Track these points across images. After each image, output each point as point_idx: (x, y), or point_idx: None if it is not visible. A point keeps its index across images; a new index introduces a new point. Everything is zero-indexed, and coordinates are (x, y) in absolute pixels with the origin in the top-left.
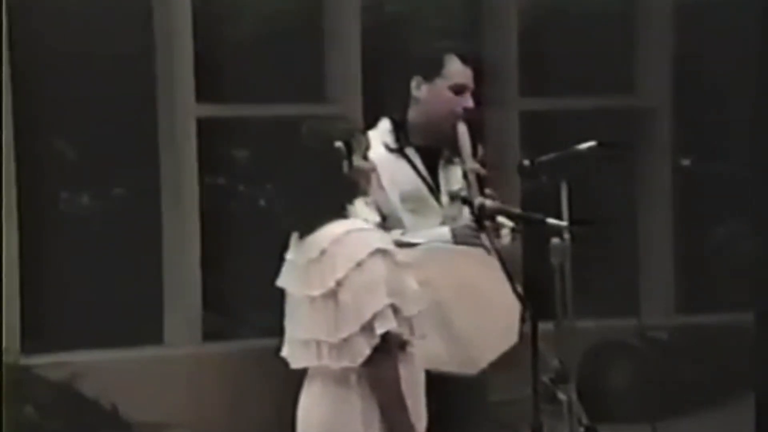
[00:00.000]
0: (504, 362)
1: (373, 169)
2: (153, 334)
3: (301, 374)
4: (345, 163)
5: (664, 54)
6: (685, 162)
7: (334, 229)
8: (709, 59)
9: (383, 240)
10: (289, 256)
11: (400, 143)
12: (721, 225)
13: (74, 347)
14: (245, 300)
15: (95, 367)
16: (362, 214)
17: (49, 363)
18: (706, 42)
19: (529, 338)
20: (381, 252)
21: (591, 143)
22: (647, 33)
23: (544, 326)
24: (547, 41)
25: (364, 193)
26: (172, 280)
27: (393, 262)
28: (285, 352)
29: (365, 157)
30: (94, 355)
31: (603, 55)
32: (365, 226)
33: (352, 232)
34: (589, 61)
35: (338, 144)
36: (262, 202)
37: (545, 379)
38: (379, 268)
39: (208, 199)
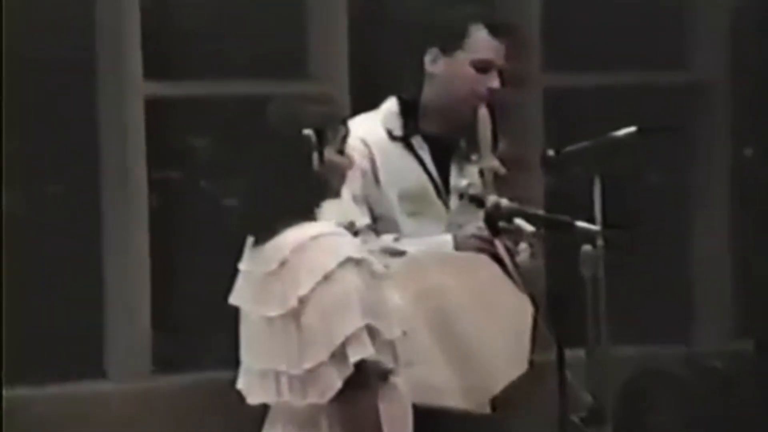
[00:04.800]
0: (523, 397)
1: (350, 166)
2: (92, 366)
3: (267, 411)
4: (315, 156)
5: (722, 19)
6: (748, 152)
7: (296, 234)
8: None
9: (356, 247)
10: (243, 266)
11: (407, 130)
12: None
13: None
14: (204, 323)
15: (24, 406)
16: (341, 215)
17: None
18: None
19: (555, 368)
20: (354, 261)
21: (630, 129)
22: None
23: (574, 354)
24: (578, 4)
25: (336, 194)
26: (115, 298)
27: (369, 273)
28: (240, 385)
29: (341, 151)
30: (23, 391)
31: (647, 20)
32: (335, 230)
33: (319, 238)
34: (629, 28)
35: (307, 132)
36: (227, 202)
37: (575, 418)
38: (351, 281)
39: (160, 197)
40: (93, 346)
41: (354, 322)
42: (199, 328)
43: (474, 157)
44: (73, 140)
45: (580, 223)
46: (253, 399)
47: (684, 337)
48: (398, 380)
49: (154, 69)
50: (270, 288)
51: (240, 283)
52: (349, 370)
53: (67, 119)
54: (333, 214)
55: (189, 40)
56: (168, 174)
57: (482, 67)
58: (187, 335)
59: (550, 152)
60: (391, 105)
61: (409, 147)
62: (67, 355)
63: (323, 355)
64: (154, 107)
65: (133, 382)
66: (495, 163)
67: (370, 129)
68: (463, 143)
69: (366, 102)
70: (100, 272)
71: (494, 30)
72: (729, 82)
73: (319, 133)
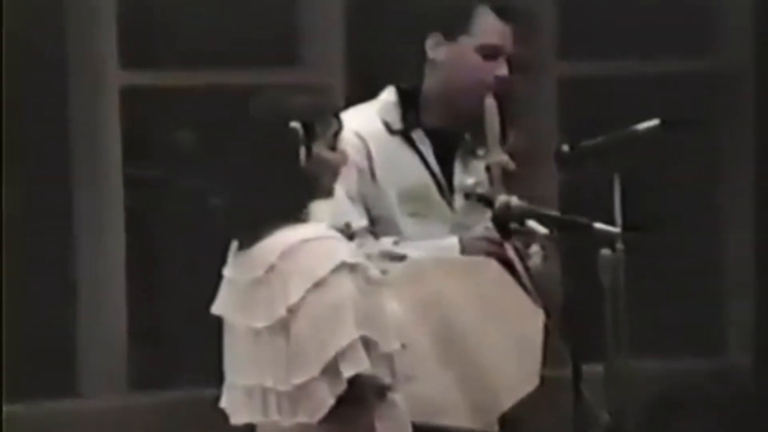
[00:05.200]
0: (535, 415)
1: (343, 162)
2: (64, 383)
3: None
4: (302, 151)
5: (748, 3)
6: None
7: (285, 237)
8: None
9: (351, 251)
10: (227, 272)
11: (407, 123)
12: None
13: None
14: (185, 335)
15: None
16: (334, 216)
17: None
18: None
19: (570, 384)
20: (348, 267)
21: (652, 122)
22: None
23: (590, 368)
24: None
25: (328, 193)
26: (88, 308)
27: (365, 279)
28: (224, 402)
29: (333, 146)
30: None
31: (669, 4)
32: (328, 232)
33: (310, 241)
34: (652, 12)
35: (294, 124)
36: (209, 202)
37: None
38: (345, 288)
39: (136, 197)
40: (64, 362)
41: (348, 333)
42: (180, 340)
43: (480, 152)
44: (41, 135)
45: (598, 225)
46: (238, 418)
47: (713, 349)
48: (397, 397)
49: (130, 56)
50: (256, 296)
51: (223, 291)
52: (342, 386)
53: (34, 111)
54: (325, 215)
55: (169, 25)
56: (145, 172)
57: (489, 54)
58: (166, 349)
59: (565, 147)
60: (388, 95)
61: (409, 141)
62: (37, 371)
63: (314, 370)
64: (130, 98)
65: (109, 400)
66: (504, 158)
67: (366, 122)
68: (468, 137)
69: (363, 92)
70: (71, 280)
71: (502, 12)
72: (755, 72)
73: (307, 127)
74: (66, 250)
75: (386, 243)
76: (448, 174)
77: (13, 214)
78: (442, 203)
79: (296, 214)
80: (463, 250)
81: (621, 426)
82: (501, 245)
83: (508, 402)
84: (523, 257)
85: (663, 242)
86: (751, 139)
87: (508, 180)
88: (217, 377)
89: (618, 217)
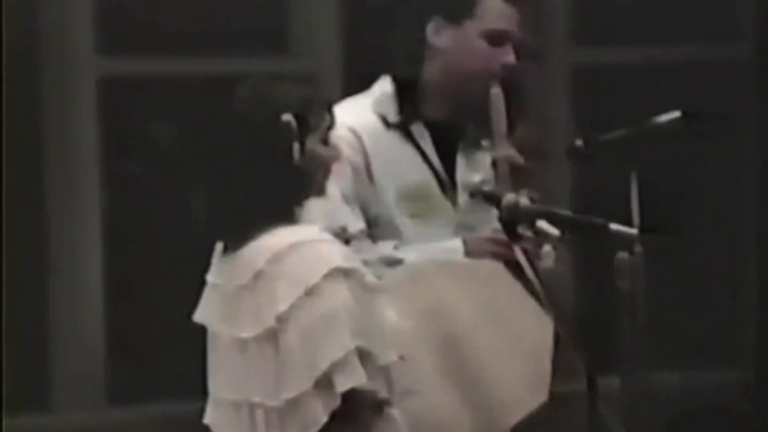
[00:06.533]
0: None
1: (337, 157)
2: (36, 397)
3: None
4: (295, 146)
5: None
6: None
7: (274, 240)
8: None
9: (346, 256)
10: (211, 278)
11: (405, 115)
12: None
13: None
14: (166, 346)
15: None
16: (327, 217)
17: None
18: None
19: (584, 399)
20: (342, 272)
21: (673, 114)
22: None
23: (607, 382)
24: None
25: (320, 191)
26: (62, 317)
27: (360, 286)
28: (208, 418)
29: (326, 140)
30: None
31: None
32: (320, 235)
33: (301, 245)
34: None
35: (287, 117)
36: (193, 201)
37: None
38: (339, 295)
39: (114, 195)
40: (37, 373)
41: (342, 344)
42: (161, 351)
43: (485, 144)
44: (10, 126)
45: (615, 226)
46: None
47: (740, 361)
48: (395, 412)
49: (107, 42)
50: (243, 304)
51: (207, 297)
52: (336, 401)
53: (2, 101)
54: (318, 216)
55: (150, 8)
56: (124, 168)
57: (495, 39)
58: (146, 360)
59: (579, 141)
60: (384, 86)
61: (408, 135)
62: (6, 383)
63: (306, 384)
64: (107, 88)
65: (84, 416)
66: (511, 152)
67: (359, 115)
68: (471, 130)
69: (361, 83)
70: (43, 285)
71: None
72: None
73: (300, 120)
74: (37, 252)
75: (385, 247)
76: (451, 170)
77: None
78: (445, 202)
79: (287, 214)
80: (468, 253)
81: None
82: (508, 247)
83: (514, 417)
84: (533, 260)
85: (685, 245)
86: None
87: (516, 177)
88: (200, 391)
89: (636, 217)
